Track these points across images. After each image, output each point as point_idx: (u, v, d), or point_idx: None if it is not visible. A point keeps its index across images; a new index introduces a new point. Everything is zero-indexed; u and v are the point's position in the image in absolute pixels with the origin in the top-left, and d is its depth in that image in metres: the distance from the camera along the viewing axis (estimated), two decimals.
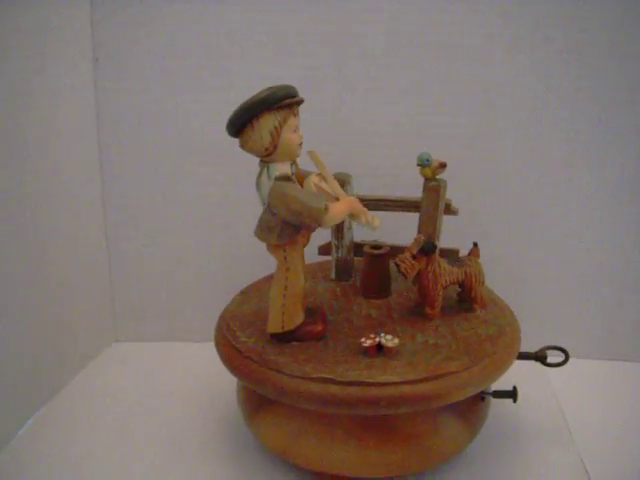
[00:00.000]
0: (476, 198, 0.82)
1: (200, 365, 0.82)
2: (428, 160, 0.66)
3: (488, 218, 0.83)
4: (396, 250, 0.66)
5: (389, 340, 0.58)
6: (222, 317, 0.68)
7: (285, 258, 0.58)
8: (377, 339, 0.58)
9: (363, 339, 0.58)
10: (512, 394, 0.65)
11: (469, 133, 0.80)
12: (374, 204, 0.70)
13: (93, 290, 0.87)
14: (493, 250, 0.76)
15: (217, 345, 0.64)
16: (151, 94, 0.83)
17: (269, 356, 0.58)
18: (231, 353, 0.61)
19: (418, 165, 0.66)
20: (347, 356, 0.58)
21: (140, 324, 0.91)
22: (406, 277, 0.61)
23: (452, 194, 0.70)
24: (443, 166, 0.67)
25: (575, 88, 0.77)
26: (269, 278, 0.73)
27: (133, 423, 0.73)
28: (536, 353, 0.67)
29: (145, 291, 0.90)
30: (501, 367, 0.59)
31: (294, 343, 0.60)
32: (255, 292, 0.72)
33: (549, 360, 0.67)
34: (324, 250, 0.76)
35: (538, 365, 0.67)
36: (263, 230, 0.57)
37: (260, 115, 0.52)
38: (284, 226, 0.56)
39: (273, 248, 0.58)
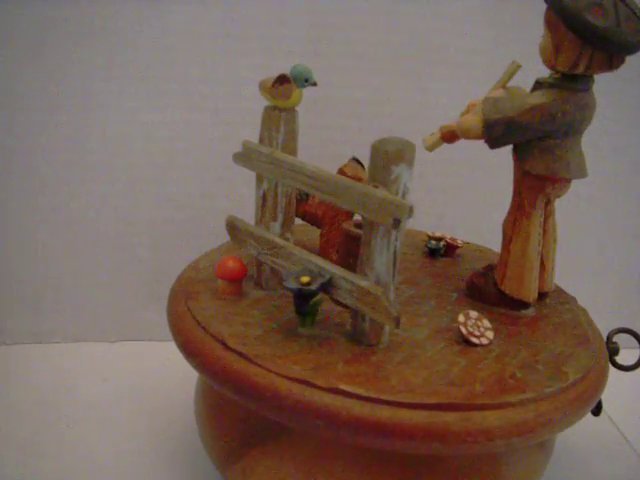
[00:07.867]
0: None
1: (123, 373, 0.65)
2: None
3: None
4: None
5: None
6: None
7: None
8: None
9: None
10: (595, 405, 0.47)
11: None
12: None
13: None
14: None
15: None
16: None
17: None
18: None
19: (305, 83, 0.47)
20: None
21: (34, 321, 0.73)
22: None
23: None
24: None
25: None
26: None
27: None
28: (606, 344, 0.50)
29: (38, 278, 0.72)
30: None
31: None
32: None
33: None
34: None
35: None
36: None
37: None
38: None
39: None
